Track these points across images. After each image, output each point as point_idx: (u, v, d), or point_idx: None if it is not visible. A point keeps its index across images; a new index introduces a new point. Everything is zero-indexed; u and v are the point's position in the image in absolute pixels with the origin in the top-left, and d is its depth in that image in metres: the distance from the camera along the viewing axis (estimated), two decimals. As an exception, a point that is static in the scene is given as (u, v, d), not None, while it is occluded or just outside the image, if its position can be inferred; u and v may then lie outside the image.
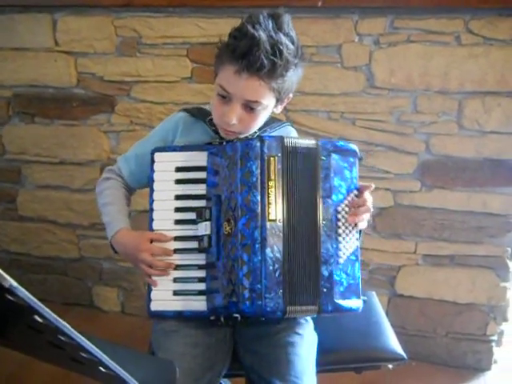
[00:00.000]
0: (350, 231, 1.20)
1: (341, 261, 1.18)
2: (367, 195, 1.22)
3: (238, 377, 1.34)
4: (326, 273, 1.17)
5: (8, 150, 2.41)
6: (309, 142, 1.21)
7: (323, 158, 1.20)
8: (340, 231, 1.19)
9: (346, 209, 1.20)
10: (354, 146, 1.25)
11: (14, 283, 0.54)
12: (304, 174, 1.19)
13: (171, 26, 2.07)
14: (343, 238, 1.19)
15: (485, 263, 2.08)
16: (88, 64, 2.20)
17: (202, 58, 2.07)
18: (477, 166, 1.97)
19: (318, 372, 1.25)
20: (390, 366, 1.41)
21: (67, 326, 0.61)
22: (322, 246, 1.17)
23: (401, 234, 2.11)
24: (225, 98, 1.19)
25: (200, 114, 1.33)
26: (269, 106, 1.22)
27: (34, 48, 2.23)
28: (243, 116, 1.20)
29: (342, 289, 1.18)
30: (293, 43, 1.15)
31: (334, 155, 1.21)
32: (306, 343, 1.25)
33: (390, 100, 1.97)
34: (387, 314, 1.74)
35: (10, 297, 0.56)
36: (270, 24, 1.13)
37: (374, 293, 1.64)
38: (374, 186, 1.24)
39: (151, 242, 1.24)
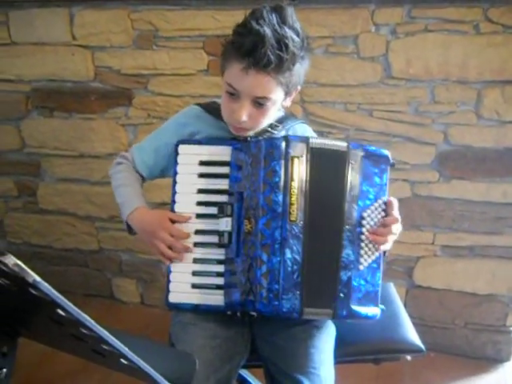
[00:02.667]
0: None
1: (361, 267, 1.17)
2: (396, 213, 1.20)
3: (256, 368, 1.34)
4: (344, 278, 1.16)
5: (28, 144, 2.45)
6: (339, 145, 1.19)
7: (353, 162, 1.17)
8: (363, 237, 1.17)
9: (372, 215, 1.18)
10: (386, 152, 1.22)
11: (38, 278, 0.56)
12: (330, 177, 1.17)
13: (187, 19, 2.07)
14: (366, 245, 1.18)
15: (504, 254, 2.06)
16: (105, 58, 2.22)
17: (218, 51, 2.04)
18: (496, 156, 1.95)
19: (337, 363, 1.26)
20: (409, 358, 1.40)
21: (89, 319, 0.62)
22: (343, 251, 1.16)
23: (419, 225, 2.10)
24: (233, 95, 1.18)
25: (213, 108, 1.33)
26: (278, 100, 1.20)
27: (52, 42, 2.25)
28: (253, 112, 1.19)
29: (359, 295, 1.17)
30: (298, 35, 1.13)
31: (364, 160, 1.19)
32: (323, 335, 1.25)
33: (407, 90, 1.95)
34: (405, 305, 1.74)
35: (33, 291, 0.58)
36: (274, 18, 1.11)
37: (391, 284, 1.64)
38: (397, 202, 1.21)
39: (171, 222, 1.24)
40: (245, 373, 1.48)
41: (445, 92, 1.92)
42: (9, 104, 2.38)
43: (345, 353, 1.33)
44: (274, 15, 1.11)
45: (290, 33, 1.11)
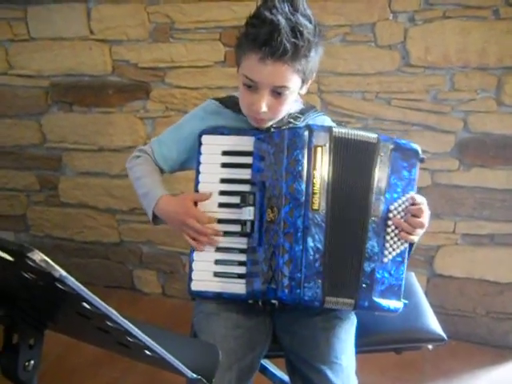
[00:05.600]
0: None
1: (385, 260, 1.17)
2: (425, 207, 1.19)
3: (278, 357, 1.35)
4: (368, 269, 1.16)
5: (48, 139, 2.47)
6: (368, 136, 1.18)
7: (382, 154, 1.17)
8: (389, 230, 1.17)
9: (399, 209, 1.18)
10: (416, 147, 1.21)
11: (64, 273, 0.57)
12: (356, 167, 1.17)
13: (203, 11, 2.07)
14: (391, 238, 1.17)
15: (526, 242, 2.04)
16: (122, 51, 2.23)
17: (236, 42, 2.07)
18: (518, 144, 1.93)
19: (358, 353, 1.26)
20: (430, 347, 1.40)
21: (114, 312, 0.63)
22: (368, 242, 1.16)
23: (439, 214, 2.09)
24: (251, 87, 1.18)
25: (231, 102, 1.33)
26: (295, 88, 1.20)
27: (70, 37, 2.27)
28: (272, 102, 1.19)
29: (382, 288, 1.17)
30: (310, 22, 1.13)
31: (394, 153, 1.18)
32: (344, 324, 1.26)
33: (426, 78, 1.93)
34: (426, 294, 1.73)
35: (60, 286, 0.59)
36: (286, 6, 1.11)
37: (412, 273, 1.64)
38: (424, 199, 1.21)
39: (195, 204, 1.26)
40: (266, 362, 1.49)
41: (464, 79, 1.90)
42: (29, 99, 2.41)
43: (366, 342, 1.33)
44: (285, 3, 1.11)
45: (303, 20, 1.11)
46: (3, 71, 2.40)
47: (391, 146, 1.18)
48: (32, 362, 0.79)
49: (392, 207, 1.17)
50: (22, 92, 2.41)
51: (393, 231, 1.17)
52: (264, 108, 1.18)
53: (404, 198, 1.18)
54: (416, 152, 1.21)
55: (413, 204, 1.19)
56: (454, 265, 2.15)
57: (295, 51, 1.11)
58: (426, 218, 1.19)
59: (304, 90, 1.28)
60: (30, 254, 0.55)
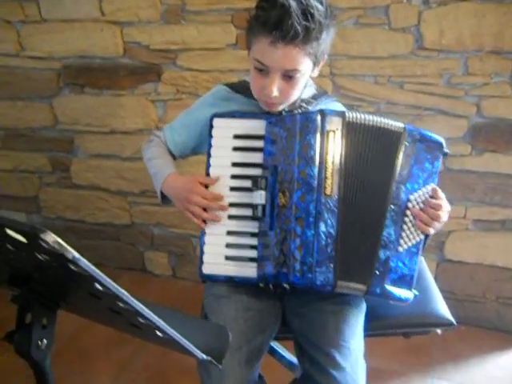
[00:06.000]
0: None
1: (400, 249, 1.17)
2: (445, 203, 1.19)
3: (287, 340, 1.37)
4: (383, 256, 1.16)
5: (60, 121, 2.48)
6: (394, 124, 1.18)
7: (407, 143, 1.16)
8: (407, 220, 1.17)
9: (419, 199, 1.17)
10: (441, 139, 1.20)
11: (77, 255, 0.58)
12: (377, 154, 1.17)
13: (215, -8, 2.06)
14: (408, 228, 1.17)
15: (538, 228, 2.03)
16: (134, 33, 2.22)
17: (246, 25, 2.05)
18: (531, 129, 1.91)
19: (367, 336, 1.27)
20: (439, 331, 1.41)
21: (126, 293, 0.64)
22: (385, 230, 1.16)
23: (450, 199, 2.04)
24: (262, 70, 1.17)
25: (242, 88, 1.32)
26: (307, 71, 1.19)
27: (81, 19, 2.26)
28: (283, 86, 1.18)
29: (395, 276, 1.17)
30: (321, 4, 1.12)
31: (418, 144, 1.17)
32: (353, 308, 1.27)
33: (439, 62, 1.91)
34: (436, 279, 1.73)
35: (72, 267, 0.60)
36: None
37: (422, 258, 1.63)
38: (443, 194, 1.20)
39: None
40: (276, 344, 1.51)
41: (478, 63, 1.88)
42: (41, 82, 2.42)
43: (375, 326, 1.34)
44: None
45: (313, 2, 1.10)
46: (15, 53, 2.40)
47: (417, 137, 1.18)
48: (45, 341, 0.80)
49: (412, 197, 1.17)
50: (33, 74, 2.42)
51: (410, 221, 1.17)
52: (275, 92, 1.18)
53: (424, 190, 1.18)
54: (441, 145, 1.20)
55: (432, 197, 1.18)
56: (465, 250, 2.14)
57: (306, 34, 1.10)
58: (444, 212, 1.19)
59: (316, 73, 1.27)
60: (43, 236, 0.56)
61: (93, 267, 0.60)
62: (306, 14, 1.09)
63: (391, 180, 1.16)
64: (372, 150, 1.17)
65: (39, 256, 0.62)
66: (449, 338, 1.95)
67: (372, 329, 1.31)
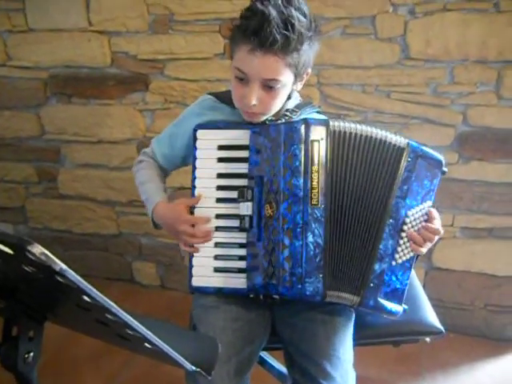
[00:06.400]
0: None
1: (394, 263, 1.17)
2: (438, 224, 1.19)
3: (276, 350, 1.36)
4: (378, 269, 1.16)
5: (47, 131, 2.47)
6: (396, 139, 1.17)
7: (409, 159, 1.16)
8: (403, 235, 1.17)
9: (416, 215, 1.17)
10: (441, 157, 1.20)
11: (64, 266, 0.57)
12: (374, 166, 1.16)
13: (203, 2, 2.06)
14: (404, 243, 1.17)
15: (525, 235, 2.04)
16: (121, 43, 2.22)
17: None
18: (517, 137, 1.93)
19: (356, 345, 1.27)
20: (428, 340, 1.41)
21: (114, 305, 0.64)
22: (382, 243, 1.16)
23: (438, 207, 2.07)
24: (242, 79, 1.18)
25: (227, 98, 1.32)
26: (287, 83, 1.19)
27: (69, 29, 2.26)
28: (263, 96, 1.18)
29: (387, 290, 1.17)
30: (305, 16, 1.12)
31: (420, 160, 1.17)
32: (343, 318, 1.26)
33: (426, 71, 1.93)
34: (424, 287, 1.74)
35: (60, 279, 0.59)
36: (279, 0, 1.10)
37: (411, 267, 1.64)
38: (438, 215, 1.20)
39: (190, 208, 1.25)
40: (265, 355, 1.50)
41: (464, 72, 1.90)
42: (28, 91, 2.41)
43: (364, 335, 1.34)
44: None
45: (295, 13, 1.10)
46: (2, 63, 2.39)
47: (419, 153, 1.17)
48: (32, 354, 0.79)
49: (410, 213, 1.17)
50: (20, 84, 2.41)
51: (407, 236, 1.17)
52: (254, 101, 1.17)
53: (422, 206, 1.18)
54: (440, 163, 1.20)
55: (428, 219, 1.18)
56: (453, 258, 2.15)
57: (285, 43, 1.10)
58: (437, 236, 1.19)
59: (299, 87, 1.27)
60: (29, 248, 0.55)
61: (80, 279, 0.59)
62: (287, 23, 1.09)
63: (391, 194, 1.16)
64: (368, 162, 1.17)
65: (26, 268, 0.61)
66: (437, 345, 1.95)
67: (361, 338, 1.31)
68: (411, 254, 1.18)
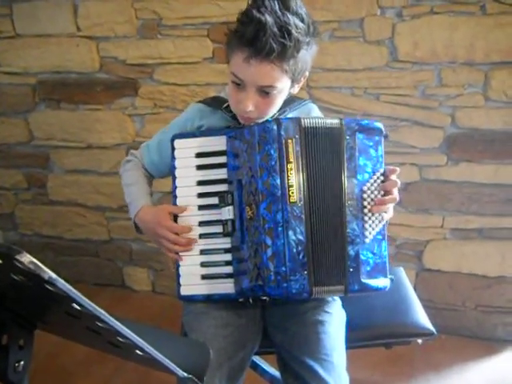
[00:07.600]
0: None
1: (367, 240, 1.18)
2: (393, 178, 1.21)
3: (268, 354, 1.36)
4: (352, 252, 1.17)
5: (36, 136, 2.46)
6: (332, 122, 1.18)
7: (348, 137, 1.18)
8: (366, 211, 1.18)
9: (372, 188, 1.19)
10: (379, 124, 1.22)
11: (53, 275, 0.56)
12: (327, 154, 1.17)
13: (191, 7, 2.06)
14: (369, 218, 1.18)
15: (514, 236, 2.06)
16: (110, 48, 2.22)
17: (223, 38, 2.04)
18: (505, 138, 1.94)
19: (348, 348, 1.27)
20: (420, 341, 1.41)
21: (105, 313, 0.63)
22: (348, 226, 1.17)
23: (428, 209, 2.10)
24: (239, 85, 1.18)
25: (216, 103, 1.33)
26: (284, 88, 1.19)
27: (57, 34, 2.26)
28: (259, 101, 1.18)
29: (368, 268, 1.18)
30: (303, 21, 1.11)
31: (358, 134, 1.19)
32: (334, 321, 1.26)
33: (414, 74, 1.94)
34: (415, 288, 1.74)
35: (49, 287, 0.59)
36: (276, 5, 1.09)
37: (401, 268, 1.64)
38: (399, 169, 1.22)
39: (173, 216, 1.26)
40: (257, 359, 1.50)
41: (452, 74, 1.91)
42: (16, 97, 2.39)
43: (356, 338, 1.34)
44: (275, 1, 1.09)
45: (292, 19, 1.09)
46: (-11, 69, 2.38)
47: (355, 128, 1.19)
48: (22, 362, 0.78)
49: (365, 188, 1.19)
50: (8, 90, 2.39)
51: (369, 211, 1.18)
52: (250, 107, 1.17)
53: (375, 177, 1.20)
54: (379, 129, 1.22)
55: (383, 181, 1.20)
56: (443, 259, 2.16)
57: (282, 51, 1.10)
58: (395, 189, 1.21)
59: (296, 89, 1.27)
60: (18, 257, 0.55)
61: (70, 287, 0.59)
62: (283, 31, 1.08)
63: (342, 177, 1.17)
64: (325, 152, 1.18)
65: (15, 276, 0.61)
66: (429, 347, 1.96)
67: (353, 340, 1.31)
68: (380, 226, 1.20)
